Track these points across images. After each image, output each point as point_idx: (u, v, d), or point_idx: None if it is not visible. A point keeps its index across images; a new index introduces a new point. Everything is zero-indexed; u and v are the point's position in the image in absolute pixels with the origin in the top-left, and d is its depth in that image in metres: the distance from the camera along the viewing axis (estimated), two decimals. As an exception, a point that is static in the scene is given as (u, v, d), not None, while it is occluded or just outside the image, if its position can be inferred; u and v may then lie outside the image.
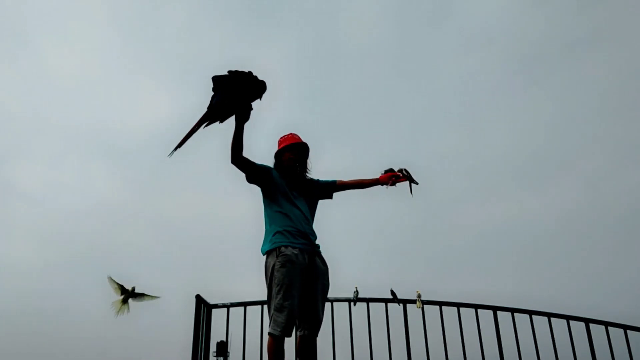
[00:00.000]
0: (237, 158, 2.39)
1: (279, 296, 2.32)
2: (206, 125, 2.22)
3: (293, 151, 2.66)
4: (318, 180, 2.76)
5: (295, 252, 2.42)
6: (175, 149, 2.21)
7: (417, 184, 2.76)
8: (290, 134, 2.72)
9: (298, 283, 2.37)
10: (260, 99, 2.22)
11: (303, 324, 2.43)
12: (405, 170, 2.77)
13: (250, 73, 2.17)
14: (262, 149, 2.76)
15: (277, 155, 2.70)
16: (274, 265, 2.38)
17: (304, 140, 2.72)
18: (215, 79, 2.17)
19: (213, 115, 2.21)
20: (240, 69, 2.15)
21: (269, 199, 2.57)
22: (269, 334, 2.35)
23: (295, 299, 2.34)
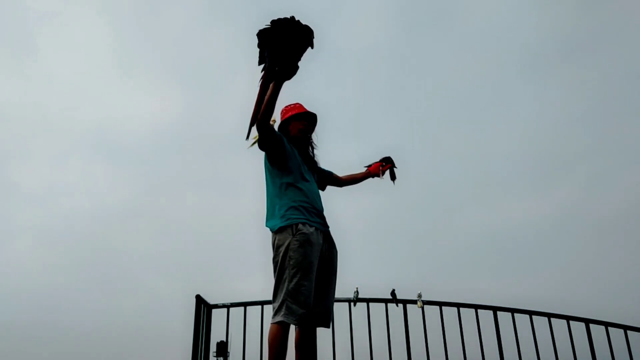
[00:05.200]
0: (267, 122, 2.08)
1: (295, 280, 2.05)
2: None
3: (302, 121, 2.43)
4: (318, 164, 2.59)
5: (313, 231, 2.18)
6: (250, 129, 2.03)
7: (396, 167, 2.77)
8: (297, 103, 2.47)
9: (315, 267, 2.13)
10: (312, 47, 1.93)
11: (313, 314, 2.14)
12: (389, 158, 2.78)
13: (292, 18, 1.86)
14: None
15: (283, 126, 2.45)
16: (289, 244, 2.10)
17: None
18: (261, 33, 1.88)
19: (276, 73, 1.93)
20: (281, 17, 1.87)
21: (279, 168, 2.27)
22: (278, 322, 2.04)
23: (313, 284, 2.10)
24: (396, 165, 2.76)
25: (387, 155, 2.78)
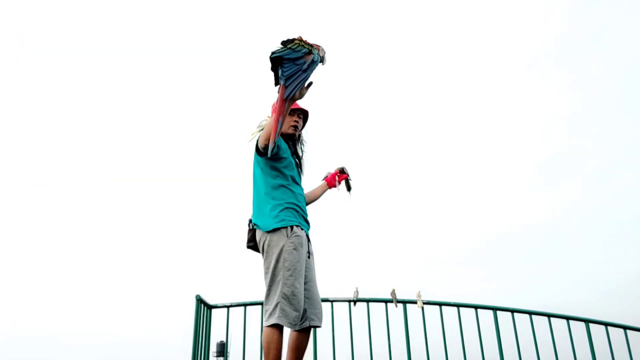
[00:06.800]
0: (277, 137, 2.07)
1: (289, 282, 2.06)
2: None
3: (294, 117, 2.39)
4: None
5: (303, 234, 2.20)
6: (272, 147, 2.06)
7: (351, 179, 2.73)
8: None
9: (304, 270, 2.17)
10: (323, 64, 1.98)
11: (306, 315, 2.19)
12: (343, 168, 2.73)
13: (300, 39, 1.92)
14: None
15: None
16: (283, 246, 2.11)
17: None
18: (275, 58, 1.91)
19: (291, 92, 1.94)
20: (289, 38, 1.92)
21: (274, 168, 2.26)
22: (274, 325, 2.05)
23: (303, 287, 2.13)
24: (350, 176, 2.74)
25: (340, 165, 2.74)
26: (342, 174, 2.71)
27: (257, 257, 2.36)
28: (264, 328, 2.12)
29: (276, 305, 2.06)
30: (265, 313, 2.13)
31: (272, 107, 2.46)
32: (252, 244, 2.34)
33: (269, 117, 2.45)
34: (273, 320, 2.05)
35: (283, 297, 2.06)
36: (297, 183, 2.34)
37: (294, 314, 2.06)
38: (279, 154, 2.26)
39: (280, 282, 2.08)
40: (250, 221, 2.36)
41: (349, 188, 2.72)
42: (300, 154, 2.50)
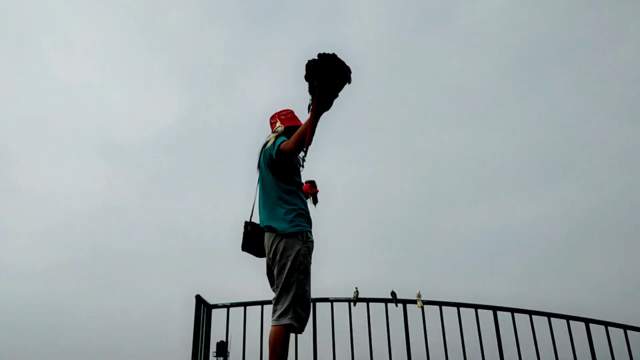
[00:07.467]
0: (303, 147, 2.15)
1: (303, 285, 2.17)
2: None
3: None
4: None
5: (313, 240, 2.32)
6: (306, 151, 2.14)
7: (318, 192, 2.82)
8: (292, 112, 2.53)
9: None
10: (350, 83, 2.05)
11: None
12: (314, 182, 2.81)
13: (334, 55, 2.00)
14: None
15: (289, 131, 2.43)
16: (299, 250, 2.20)
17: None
18: (310, 66, 1.99)
19: (326, 102, 2.00)
20: (325, 52, 2.00)
21: (283, 173, 2.34)
22: (285, 325, 2.12)
23: (311, 291, 2.25)
24: (319, 190, 2.81)
25: (311, 179, 2.80)
26: (312, 187, 2.79)
27: (256, 257, 2.39)
28: (272, 327, 2.15)
29: (289, 307, 2.13)
30: (274, 313, 2.17)
31: (273, 116, 2.51)
32: (250, 247, 2.39)
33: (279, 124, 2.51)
34: (285, 321, 2.11)
35: (296, 300, 2.14)
36: (302, 190, 2.43)
37: (304, 315, 2.16)
38: (292, 161, 2.35)
39: (295, 285, 2.15)
40: (247, 224, 2.42)
41: (315, 202, 2.81)
42: (301, 162, 2.54)
